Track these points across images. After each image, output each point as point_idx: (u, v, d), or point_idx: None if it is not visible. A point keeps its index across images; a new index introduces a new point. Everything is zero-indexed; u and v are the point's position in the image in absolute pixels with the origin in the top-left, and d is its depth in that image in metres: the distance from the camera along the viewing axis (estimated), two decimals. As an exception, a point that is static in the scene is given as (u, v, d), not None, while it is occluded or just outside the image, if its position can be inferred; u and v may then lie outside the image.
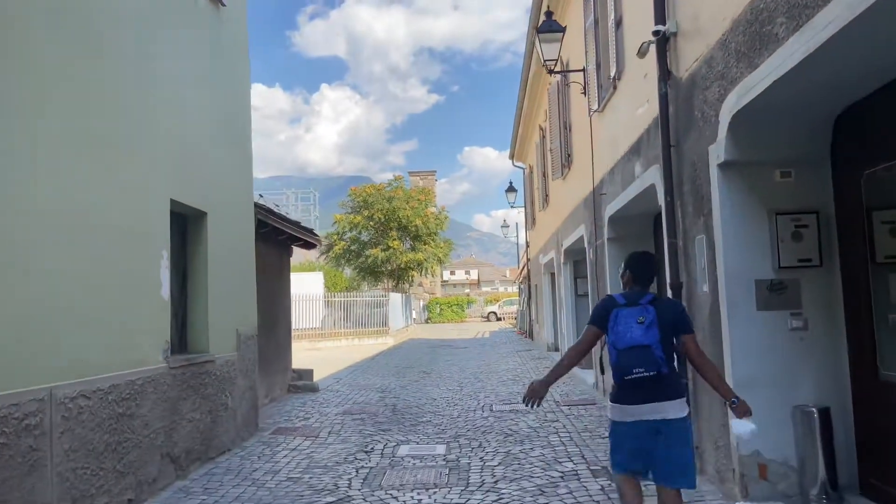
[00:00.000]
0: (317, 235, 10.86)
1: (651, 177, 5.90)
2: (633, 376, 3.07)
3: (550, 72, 9.15)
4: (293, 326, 22.00)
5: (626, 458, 3.22)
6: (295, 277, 28.02)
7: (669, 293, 5.33)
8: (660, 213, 7.87)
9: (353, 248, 28.36)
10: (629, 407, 3.17)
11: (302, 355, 17.87)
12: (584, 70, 9.02)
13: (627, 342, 3.10)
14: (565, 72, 9.40)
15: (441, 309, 44.84)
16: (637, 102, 6.44)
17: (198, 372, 5.78)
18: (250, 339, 7.12)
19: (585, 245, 9.84)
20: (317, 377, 12.69)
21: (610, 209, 7.92)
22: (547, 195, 15.14)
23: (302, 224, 10.00)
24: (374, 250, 27.17)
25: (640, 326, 3.11)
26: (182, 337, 5.99)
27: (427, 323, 44.63)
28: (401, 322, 26.48)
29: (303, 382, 10.41)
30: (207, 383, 5.97)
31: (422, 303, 47.23)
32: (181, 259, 6.03)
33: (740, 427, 3.13)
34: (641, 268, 3.40)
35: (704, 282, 4.59)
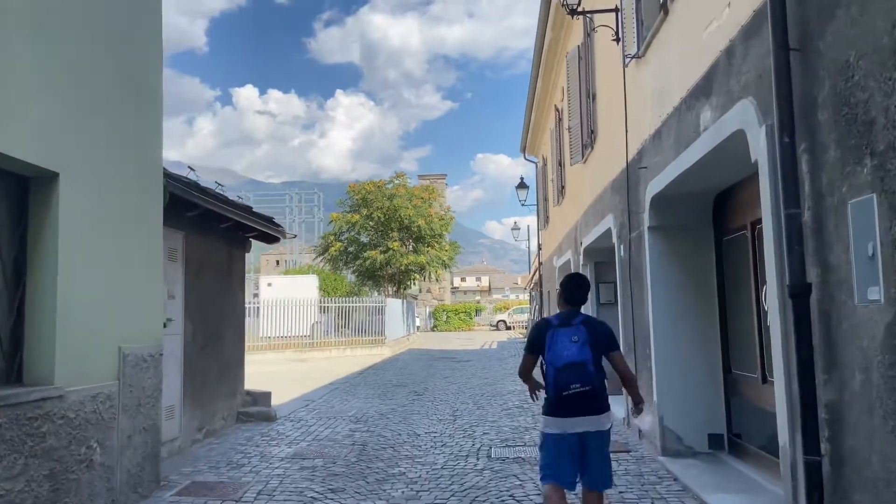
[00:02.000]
0: (280, 227, 8.80)
1: (736, 118, 3.76)
2: (570, 392, 3.30)
3: (572, 13, 7.05)
4: (277, 334, 20.11)
5: (556, 469, 3.45)
6: (288, 280, 26.06)
7: (778, 298, 3.19)
8: (725, 192, 5.75)
9: (350, 249, 26.18)
10: (565, 420, 3.40)
11: (282, 368, 15.82)
12: (616, 10, 6.91)
13: (564, 360, 3.33)
14: (592, 12, 7.28)
15: (448, 316, 42.66)
16: (707, 16, 4.32)
17: (22, 417, 3.71)
18: (147, 360, 5.04)
19: (614, 239, 7.69)
20: (288, 397, 10.63)
21: (654, 187, 5.78)
22: (563, 186, 13.01)
23: (255, 210, 7.92)
24: (373, 252, 24.97)
25: (575, 345, 3.37)
26: (10, 361, 3.92)
27: (433, 331, 42.51)
28: (400, 330, 24.34)
29: (257, 409, 8.33)
30: (47, 432, 3.89)
31: (427, 309, 45.15)
32: (11, 242, 3.98)
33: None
34: (573, 290, 3.68)
35: (875, 283, 2.44)
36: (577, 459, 3.43)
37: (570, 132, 10.67)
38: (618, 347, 3.63)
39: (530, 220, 20.87)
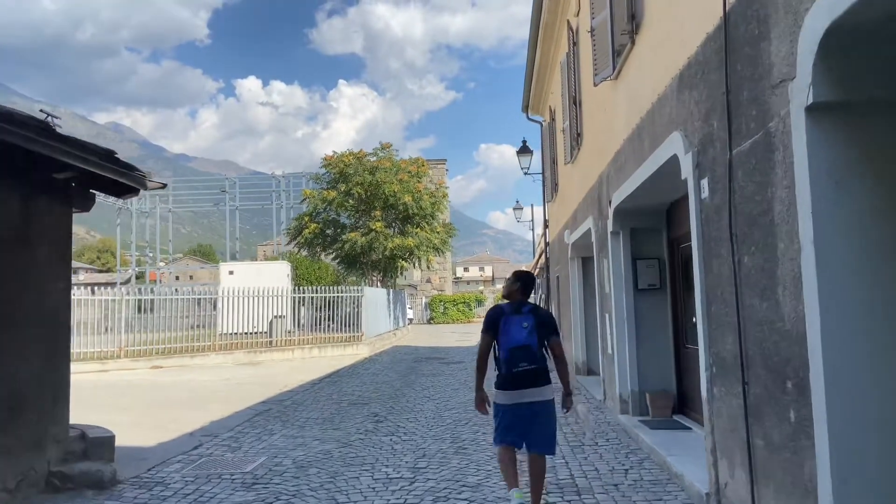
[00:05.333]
0: (136, 170, 5.43)
1: None
2: (519, 369, 3.90)
3: None
4: (241, 330, 16.81)
5: (509, 433, 4.00)
6: (253, 268, 22.69)
7: None
8: None
9: (328, 231, 22.71)
10: (513, 392, 3.94)
11: (218, 378, 12.39)
12: None
13: (515, 343, 3.90)
14: None
15: (445, 307, 39.31)
16: None
17: None
18: None
19: (687, 172, 4.30)
20: (186, 427, 7.41)
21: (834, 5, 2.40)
22: (579, 134, 9.64)
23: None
24: (353, 234, 21.48)
25: (525, 330, 3.92)
26: None
27: (430, 323, 39.26)
28: (384, 325, 21.00)
29: (84, 467, 5.01)
30: None
31: (424, 300, 41.93)
32: None
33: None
34: (525, 285, 4.23)
35: None
36: (524, 425, 3.95)
37: (592, 37, 7.27)
38: (558, 334, 4.14)
39: (535, 180, 17.39)
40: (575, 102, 9.68)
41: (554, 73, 12.95)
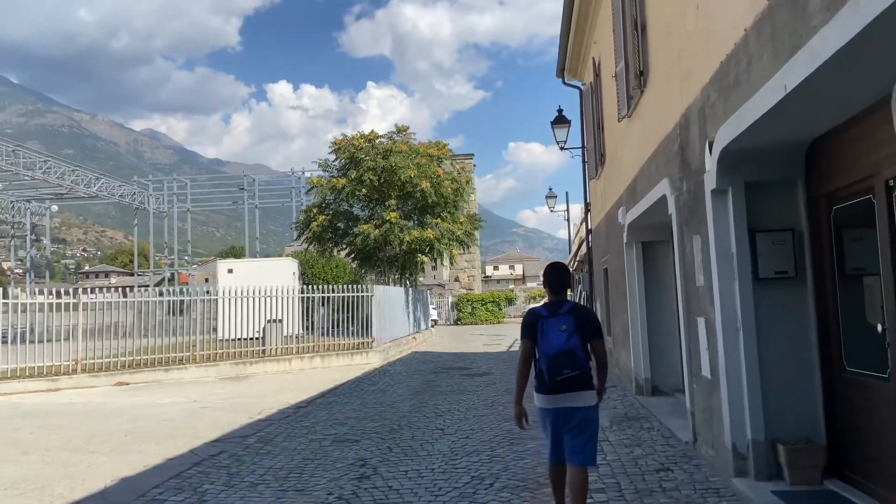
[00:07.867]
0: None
1: None
2: (562, 377, 3.62)
3: None
4: (243, 335, 14.53)
5: (558, 449, 3.76)
6: (255, 265, 20.46)
7: None
8: None
9: (339, 224, 20.35)
10: (553, 396, 3.69)
11: (184, 399, 9.93)
12: None
13: (556, 349, 3.63)
14: None
15: (473, 307, 36.72)
16: None
17: None
18: None
19: None
20: (95, 485, 5.14)
21: None
22: (642, 72, 7.07)
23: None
24: (365, 226, 19.06)
25: (564, 334, 3.64)
26: None
27: (457, 324, 36.80)
28: (401, 328, 18.55)
29: None
30: None
31: (450, 299, 39.47)
32: None
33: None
34: (555, 280, 3.94)
35: None
36: (560, 431, 3.73)
37: None
38: (601, 336, 3.84)
39: (571, 163, 14.94)
40: (636, 27, 7.10)
41: (598, 15, 10.38)
